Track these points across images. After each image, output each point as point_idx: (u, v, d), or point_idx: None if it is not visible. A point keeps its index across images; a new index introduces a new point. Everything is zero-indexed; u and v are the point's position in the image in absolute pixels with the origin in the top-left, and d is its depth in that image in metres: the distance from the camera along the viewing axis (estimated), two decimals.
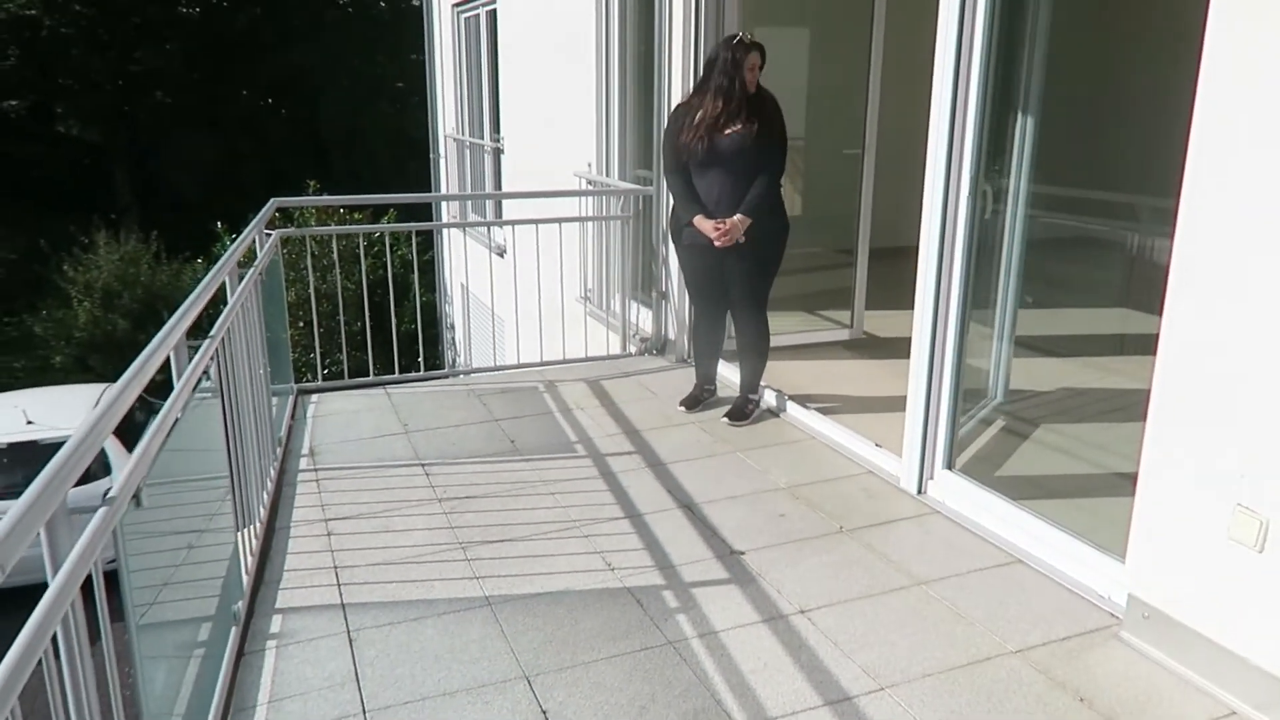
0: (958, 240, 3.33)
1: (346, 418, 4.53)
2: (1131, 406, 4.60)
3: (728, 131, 4.05)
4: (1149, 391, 2.61)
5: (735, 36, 4.07)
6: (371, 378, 5.07)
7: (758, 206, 4.07)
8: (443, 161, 10.93)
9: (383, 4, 20.63)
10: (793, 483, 3.74)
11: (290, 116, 18.85)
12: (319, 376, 5.02)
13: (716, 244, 4.09)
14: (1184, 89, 2.40)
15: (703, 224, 4.13)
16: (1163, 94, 3.29)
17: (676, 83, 5.03)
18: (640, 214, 5.49)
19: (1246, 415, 2.31)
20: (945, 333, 3.44)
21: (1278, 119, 2.17)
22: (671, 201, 4.41)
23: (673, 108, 4.98)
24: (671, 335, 5.43)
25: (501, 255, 8.61)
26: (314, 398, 4.83)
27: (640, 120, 6.01)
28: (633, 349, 5.59)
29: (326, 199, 11.70)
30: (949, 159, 3.28)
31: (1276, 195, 2.19)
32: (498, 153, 8.83)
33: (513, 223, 5.25)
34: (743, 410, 4.39)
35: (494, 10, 8.49)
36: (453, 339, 11.39)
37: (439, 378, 5.30)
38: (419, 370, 5.31)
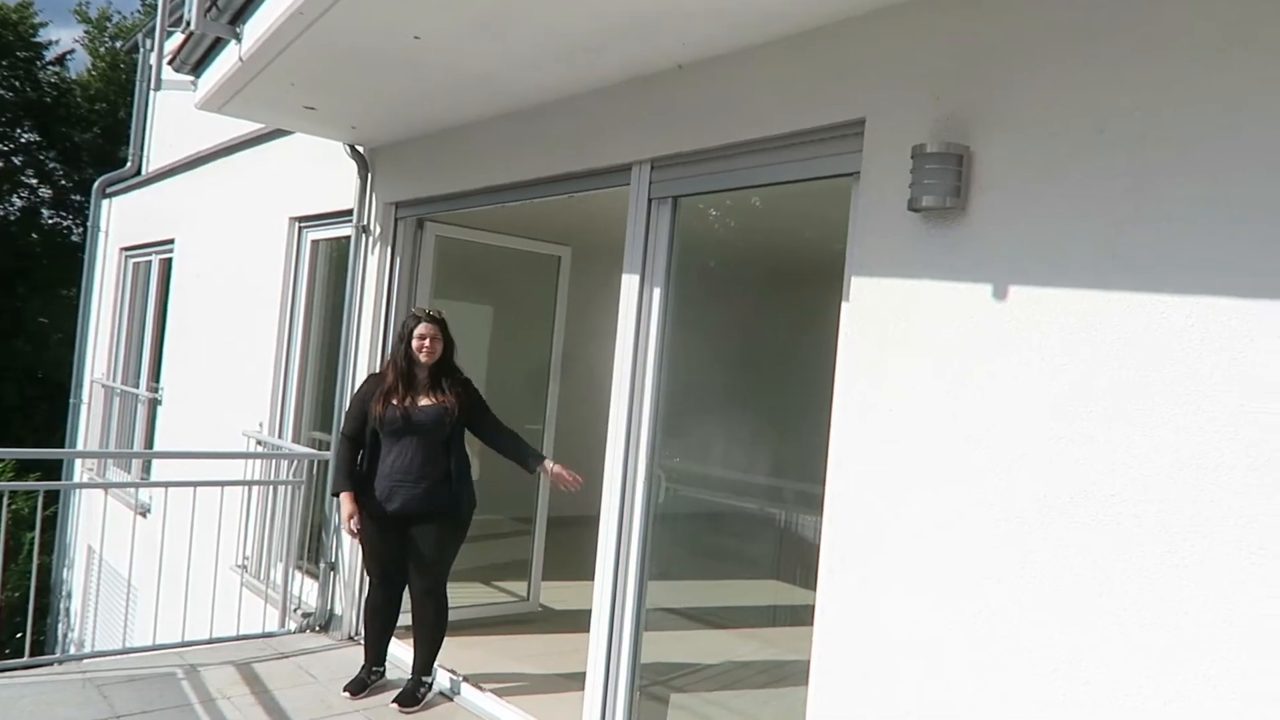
0: (635, 517, 3.47)
1: None
2: (791, 676, 4.87)
3: (423, 403, 4.06)
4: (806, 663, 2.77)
5: (413, 310, 4.21)
6: None
7: (524, 446, 4.16)
8: (84, 408, 9.85)
9: (35, 236, 19.07)
10: None
11: None
12: None
13: (575, 489, 3.97)
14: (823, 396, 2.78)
15: (345, 503, 4.06)
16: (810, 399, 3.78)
17: (364, 347, 5.01)
18: (315, 478, 5.21)
19: (904, 702, 2.51)
20: (623, 611, 3.48)
21: (884, 452, 2.55)
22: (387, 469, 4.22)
23: (364, 374, 4.94)
24: (339, 610, 5.02)
25: (145, 515, 7.74)
26: None
27: (322, 381, 5.86)
28: (292, 625, 5.09)
29: None
30: (627, 439, 3.47)
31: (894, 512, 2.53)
32: (154, 404, 8.13)
33: (165, 484, 4.75)
34: (414, 695, 4.07)
35: (169, 258, 8.13)
36: (67, 610, 9.75)
37: (45, 664, 4.43)
38: (21, 655, 4.40)
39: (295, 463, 5.12)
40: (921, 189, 2.51)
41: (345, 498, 4.06)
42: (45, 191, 19.55)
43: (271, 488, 5.52)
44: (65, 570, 10.03)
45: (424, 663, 4.15)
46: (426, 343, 4.07)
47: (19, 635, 5.71)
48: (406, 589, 4.21)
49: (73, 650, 9.33)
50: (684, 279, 3.55)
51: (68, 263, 13.54)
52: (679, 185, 3.43)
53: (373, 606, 4.27)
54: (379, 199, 5.06)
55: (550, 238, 5.54)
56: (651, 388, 3.45)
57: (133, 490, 8.30)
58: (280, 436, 5.87)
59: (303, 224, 5.95)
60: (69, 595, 9.79)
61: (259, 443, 5.85)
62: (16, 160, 18.95)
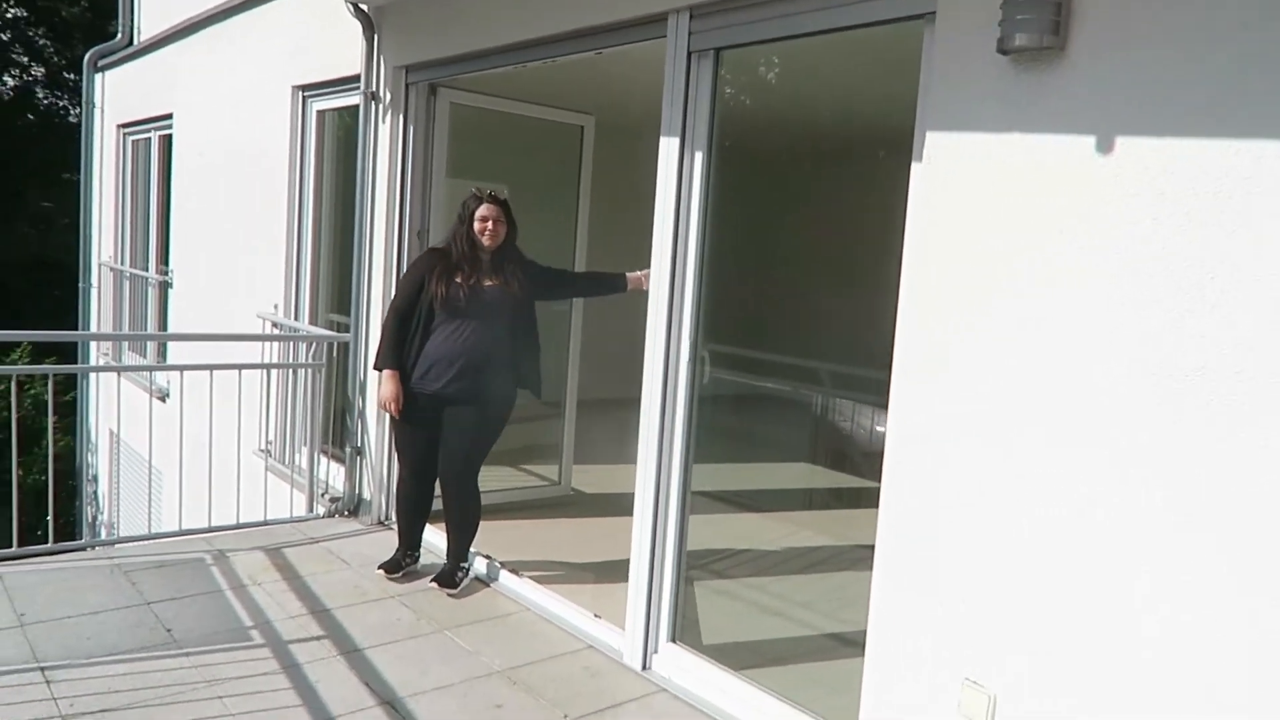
0: (679, 399, 3.28)
1: None
2: (827, 561, 4.81)
3: (487, 284, 3.85)
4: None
5: (474, 189, 3.93)
6: None
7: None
8: (95, 292, 9.66)
9: (31, 117, 18.51)
10: (509, 665, 3.38)
11: None
12: None
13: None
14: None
15: (387, 380, 3.87)
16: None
17: (380, 224, 4.75)
18: (335, 361, 5.03)
19: (972, 589, 2.35)
20: (668, 498, 3.33)
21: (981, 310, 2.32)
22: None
23: (380, 253, 4.70)
24: (367, 495, 4.93)
25: (164, 400, 7.64)
26: None
27: (337, 262, 5.62)
28: (320, 510, 5.01)
29: None
30: (669, 318, 3.25)
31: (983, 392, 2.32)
32: (165, 286, 7.92)
33: (181, 368, 4.58)
34: (452, 577, 3.99)
35: (169, 135, 7.77)
36: (94, 494, 9.81)
37: (73, 550, 4.36)
38: (47, 542, 4.33)
39: (314, 345, 4.93)
40: (1013, 26, 2.20)
41: (388, 375, 3.87)
42: (38, 70, 18.89)
43: (290, 372, 5.35)
44: (89, 454, 10.05)
45: (460, 549, 4.05)
46: (489, 225, 3.83)
47: (44, 522, 5.67)
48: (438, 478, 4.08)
49: (103, 535, 9.43)
50: (726, 148, 3.26)
51: (67, 144, 13.12)
52: (721, 35, 3.09)
53: (405, 495, 4.15)
54: (387, 63, 4.70)
55: (573, 106, 5.18)
56: (694, 262, 3.21)
57: (149, 374, 8.20)
58: (296, 319, 5.67)
59: (307, 93, 5.59)
60: (95, 479, 9.84)
61: (274, 325, 5.66)
62: (4, 36, 18.23)
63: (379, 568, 4.07)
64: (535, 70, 4.11)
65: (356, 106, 5.00)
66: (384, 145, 4.72)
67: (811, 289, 8.25)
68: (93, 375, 9.61)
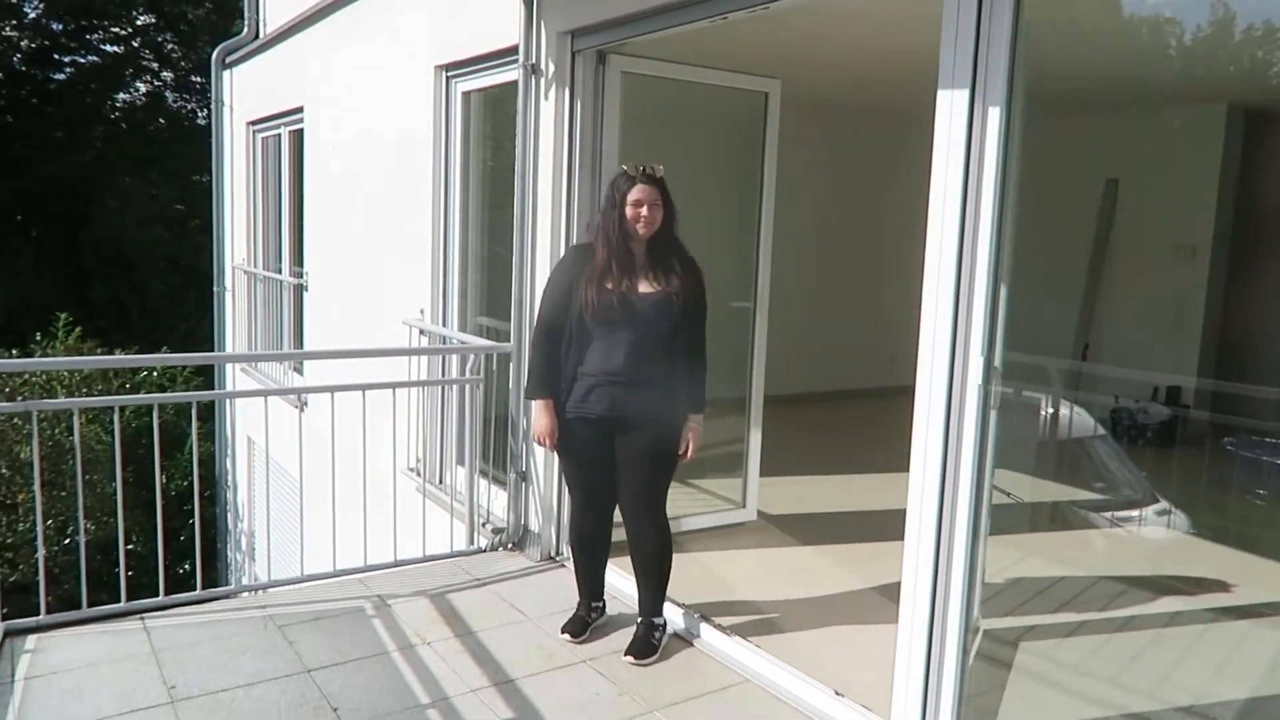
0: (965, 423, 2.53)
1: (80, 679, 3.09)
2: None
3: (642, 289, 3.19)
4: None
5: (624, 167, 3.26)
6: (123, 604, 3.64)
7: (699, 393, 3.30)
8: (229, 296, 9.46)
9: (161, 120, 18.83)
10: None
11: (41, 237, 16.50)
12: (42, 604, 3.53)
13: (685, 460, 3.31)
14: None
15: (541, 413, 3.32)
16: None
17: (544, 216, 4.13)
18: (494, 375, 4.45)
19: None
20: (952, 544, 2.59)
21: None
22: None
23: (544, 251, 4.09)
24: (534, 526, 4.34)
25: (303, 409, 7.30)
26: (30, 643, 3.34)
27: (488, 261, 5.06)
28: (482, 542, 4.45)
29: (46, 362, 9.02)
30: (955, 315, 2.50)
31: None
32: (299, 289, 7.56)
33: (331, 389, 4.06)
34: (648, 642, 3.34)
35: (299, 129, 7.38)
36: (233, 502, 9.64)
37: (221, 597, 3.91)
38: (191, 588, 3.88)
39: (472, 358, 4.36)
40: None
41: (540, 407, 3.27)
42: (166, 75, 19.21)
43: (446, 388, 4.83)
44: (227, 460, 9.90)
45: (652, 603, 3.40)
46: (644, 211, 3.15)
47: (189, 524, 5.29)
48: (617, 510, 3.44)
49: (244, 546, 9.23)
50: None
51: (197, 146, 13.13)
52: None
53: (579, 533, 3.52)
54: (549, 29, 4.06)
55: (756, 69, 4.45)
56: (988, 248, 2.44)
57: (284, 381, 7.88)
58: (445, 325, 5.13)
59: (451, 73, 5.02)
60: (234, 486, 9.68)
61: (422, 334, 5.13)
62: (135, 43, 18.57)
63: (562, 630, 3.45)
64: (715, 31, 3.42)
65: (509, 85, 4.40)
66: (547, 125, 4.09)
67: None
68: (229, 378, 9.42)
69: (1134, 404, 7.41)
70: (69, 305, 12.32)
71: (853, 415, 8.05)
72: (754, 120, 4.51)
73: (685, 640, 3.48)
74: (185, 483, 10.43)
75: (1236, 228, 7.53)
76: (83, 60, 17.63)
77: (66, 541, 9.10)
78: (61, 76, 17.48)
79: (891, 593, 3.84)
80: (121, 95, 18.60)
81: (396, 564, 4.18)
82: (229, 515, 9.82)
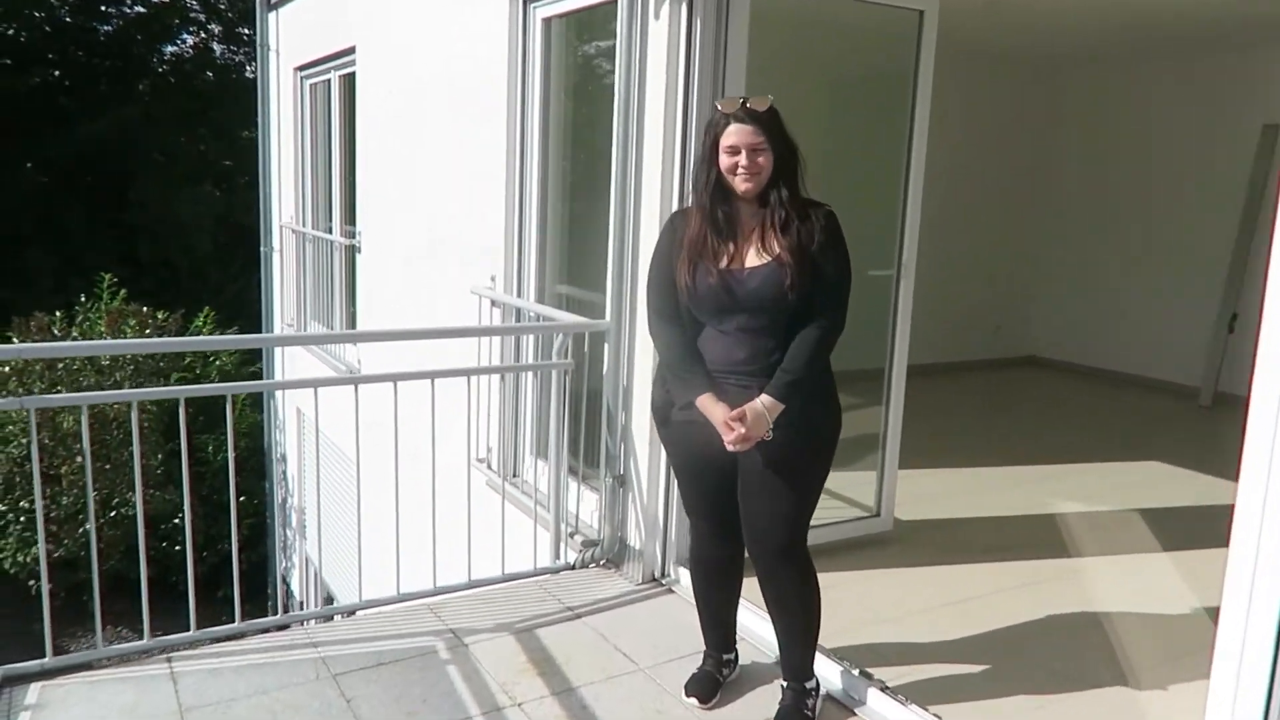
0: None
1: None
2: None
3: (751, 262, 2.41)
4: None
5: (718, 103, 2.46)
6: (146, 641, 2.99)
7: (796, 384, 2.40)
8: (276, 257, 8.83)
9: (209, 74, 18.25)
10: None
11: (89, 195, 16.06)
12: (48, 644, 2.89)
13: (731, 448, 2.39)
14: None
15: (710, 409, 2.43)
16: None
17: (653, 167, 3.36)
18: (589, 357, 3.71)
19: None
20: None
21: None
22: (656, 358, 2.68)
23: (649, 214, 3.32)
24: (634, 541, 3.62)
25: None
26: (33, 693, 2.72)
27: (570, 221, 4.31)
28: (572, 555, 3.75)
29: (50, 347, 7.55)
30: None
31: None
32: (351, 250, 6.89)
33: (394, 378, 3.36)
34: (799, 712, 2.60)
35: (351, 73, 6.65)
36: (284, 475, 9.10)
37: (264, 630, 3.23)
38: (232, 618, 3.20)
39: (560, 338, 3.61)
40: None
41: (707, 402, 2.44)
42: (214, 26, 18.60)
43: (534, 373, 4.12)
44: (277, 432, 9.36)
45: (800, 664, 2.64)
46: (743, 159, 2.36)
47: (241, 501, 4.66)
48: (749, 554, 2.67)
49: (295, 548, 8.70)
50: None
51: (245, 102, 12.49)
52: None
53: (705, 568, 2.78)
54: None
55: None
56: None
57: (338, 351, 7.25)
58: (520, 295, 4.39)
59: None
60: (284, 458, 9.13)
61: (494, 304, 4.41)
62: None
63: (688, 693, 2.73)
64: None
65: (603, 5, 3.62)
66: (657, 52, 3.30)
67: None
68: (276, 351, 8.83)
69: None
70: (117, 266, 11.84)
71: (962, 392, 7.21)
72: (904, 48, 3.66)
73: (845, 707, 2.74)
74: (224, 457, 9.94)
75: None
76: (129, 10, 17.06)
77: (112, 514, 8.66)
78: (108, 28, 16.94)
79: (1090, 626, 3.14)
80: (169, 48, 18.03)
81: (471, 585, 3.50)
82: (278, 492, 9.29)
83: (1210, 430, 6.57)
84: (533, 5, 4.21)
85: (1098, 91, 7.83)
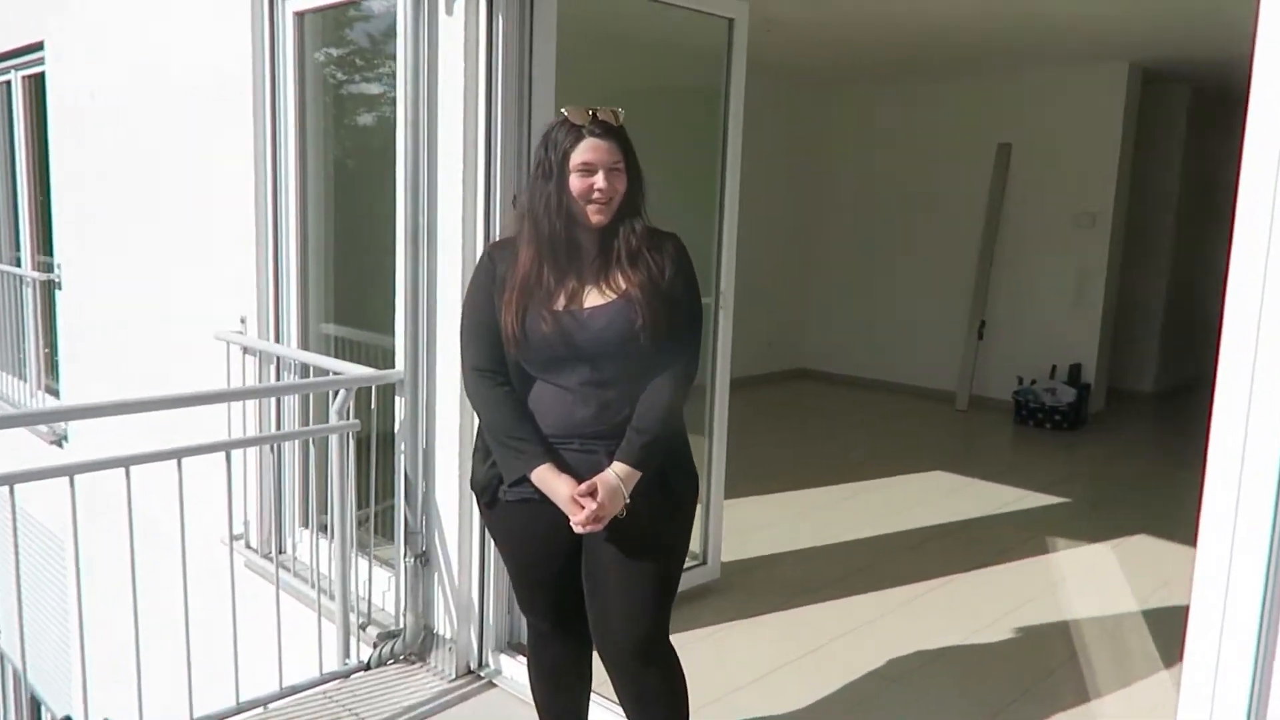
0: None
1: None
2: None
3: (591, 301, 2.00)
4: None
5: (563, 112, 2.02)
6: None
7: (653, 445, 1.98)
8: None
9: None
10: None
11: None
12: None
13: (579, 529, 1.96)
14: None
15: (550, 483, 1.98)
16: None
17: (450, 184, 2.84)
18: (379, 412, 3.10)
19: None
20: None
21: None
22: (476, 422, 2.19)
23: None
24: (444, 630, 3.06)
25: (62, 444, 5.61)
26: None
27: (335, 247, 3.68)
28: (365, 653, 3.12)
29: None
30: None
31: None
32: (50, 287, 5.73)
33: (127, 461, 2.57)
34: None
35: (40, 74, 5.52)
36: None
37: None
38: None
39: (343, 395, 2.98)
40: None
41: (546, 476, 1.98)
42: None
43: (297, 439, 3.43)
44: None
45: None
46: (599, 179, 1.94)
47: None
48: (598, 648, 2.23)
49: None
50: None
51: None
52: None
53: (544, 670, 2.31)
54: None
55: None
56: None
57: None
58: (279, 340, 3.69)
59: None
60: None
61: (246, 351, 3.68)
62: None
63: None
64: None
65: (356, 5, 3.07)
66: (451, 53, 2.79)
67: None
68: None
69: (1043, 383, 6.94)
70: None
71: (736, 409, 7.16)
72: (715, 55, 3.39)
73: None
74: None
75: (1133, 195, 7.20)
76: None
77: None
78: None
79: (938, 661, 2.99)
80: None
81: (239, 709, 2.80)
82: None
83: (970, 433, 6.92)
84: None
85: (864, 109, 8.08)
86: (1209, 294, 8.65)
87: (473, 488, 2.18)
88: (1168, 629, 3.40)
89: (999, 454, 6.41)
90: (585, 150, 1.95)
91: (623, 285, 1.99)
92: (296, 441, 3.58)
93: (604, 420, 1.99)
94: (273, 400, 3.58)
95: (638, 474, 1.97)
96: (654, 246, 2.02)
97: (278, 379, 3.49)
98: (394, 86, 2.94)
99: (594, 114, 1.97)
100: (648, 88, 3.64)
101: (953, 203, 7.60)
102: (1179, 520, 4.61)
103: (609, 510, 1.95)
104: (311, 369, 3.28)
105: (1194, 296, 8.21)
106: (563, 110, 2.01)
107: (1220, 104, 7.98)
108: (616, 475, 1.95)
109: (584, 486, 1.94)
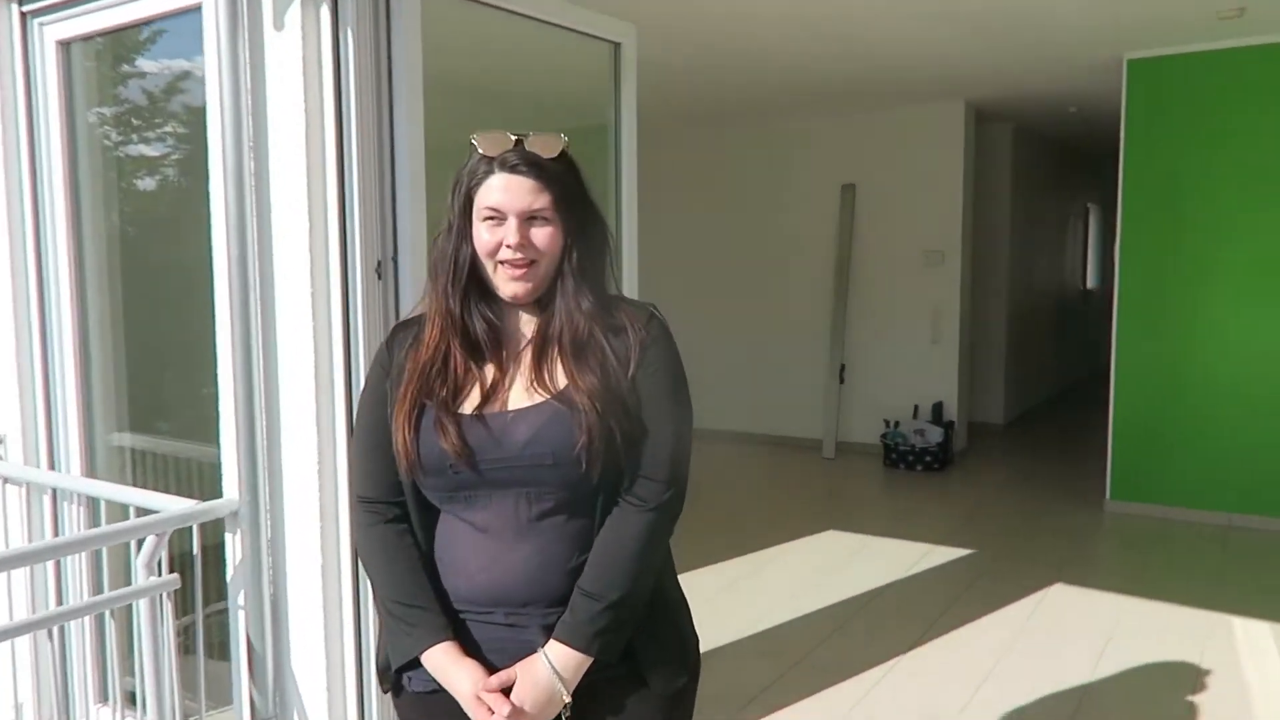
0: None
1: None
2: None
3: (517, 403, 1.40)
4: None
5: (474, 140, 1.40)
6: None
7: (614, 614, 1.36)
8: None
9: None
10: None
11: None
12: None
13: None
14: None
15: (446, 673, 1.37)
16: None
17: (296, 248, 2.16)
18: (212, 564, 2.32)
19: None
20: None
21: None
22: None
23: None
24: None
25: None
26: None
27: (129, 326, 2.88)
28: None
29: None
30: None
31: None
32: None
33: None
34: None
35: None
36: None
37: None
38: None
39: (155, 542, 2.19)
40: None
41: (441, 661, 1.36)
42: None
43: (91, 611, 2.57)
44: None
45: None
46: (510, 232, 1.36)
47: None
48: None
49: None
50: None
51: None
52: None
53: None
54: None
55: (609, 8, 2.82)
56: None
57: None
58: (53, 465, 2.82)
59: (34, 13, 2.75)
60: None
61: (7, 481, 2.78)
62: None
63: None
64: None
65: (174, 17, 2.37)
66: (285, 77, 2.12)
67: None
68: None
69: (908, 424, 6.79)
70: None
71: None
72: (601, 80, 2.87)
73: None
74: None
75: (977, 229, 7.25)
76: None
77: None
78: None
79: None
80: None
81: None
82: None
83: (846, 483, 6.66)
84: (38, 22, 2.75)
85: (714, 150, 7.74)
86: (1040, 325, 8.92)
87: (376, 670, 1.52)
88: (1139, 693, 3.09)
89: (883, 504, 6.15)
90: (494, 190, 1.37)
91: (561, 383, 1.39)
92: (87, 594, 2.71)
93: (541, 576, 1.38)
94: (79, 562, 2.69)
95: (586, 660, 1.36)
96: (614, 328, 1.43)
97: (54, 521, 2.62)
98: (200, 130, 2.24)
99: (518, 141, 1.39)
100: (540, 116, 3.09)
101: (807, 246, 7.42)
102: (1083, 566, 4.47)
103: (537, 717, 1.34)
104: (103, 504, 2.45)
105: (1028, 329, 8.41)
106: (473, 138, 1.41)
107: (1037, 141, 8.26)
108: (549, 663, 1.34)
109: (494, 679, 1.34)
